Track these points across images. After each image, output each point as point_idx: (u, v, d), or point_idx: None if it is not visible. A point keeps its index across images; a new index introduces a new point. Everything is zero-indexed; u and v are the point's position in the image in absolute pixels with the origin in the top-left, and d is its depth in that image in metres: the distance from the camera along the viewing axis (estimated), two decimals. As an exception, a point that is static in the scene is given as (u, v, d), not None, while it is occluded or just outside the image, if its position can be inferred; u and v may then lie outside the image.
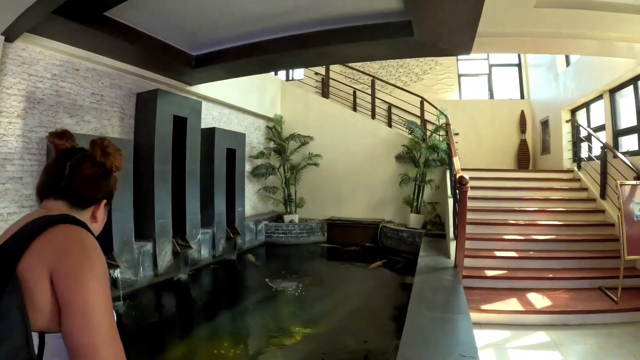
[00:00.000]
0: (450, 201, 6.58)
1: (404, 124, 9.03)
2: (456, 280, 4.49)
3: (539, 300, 4.49)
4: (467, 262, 4.96)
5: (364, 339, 4.36)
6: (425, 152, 8.18)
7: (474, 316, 3.89)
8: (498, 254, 5.54)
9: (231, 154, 7.89)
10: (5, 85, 4.34)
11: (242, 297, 5.93)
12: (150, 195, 5.82)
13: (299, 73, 12.70)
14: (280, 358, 3.94)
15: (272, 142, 9.82)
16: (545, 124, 10.21)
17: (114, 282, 5.00)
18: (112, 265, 4.93)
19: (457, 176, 4.81)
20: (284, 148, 9.53)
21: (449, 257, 5.44)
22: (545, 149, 10.24)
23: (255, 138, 9.79)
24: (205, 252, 7.05)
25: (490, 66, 11.81)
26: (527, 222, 6.39)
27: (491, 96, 11.72)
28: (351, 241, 9.15)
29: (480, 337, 3.65)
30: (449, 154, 7.32)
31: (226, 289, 6.56)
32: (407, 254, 7.88)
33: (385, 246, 8.76)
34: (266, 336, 4.49)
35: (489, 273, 5.16)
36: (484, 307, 4.35)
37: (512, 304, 4.44)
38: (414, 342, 2.87)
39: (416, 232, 8.00)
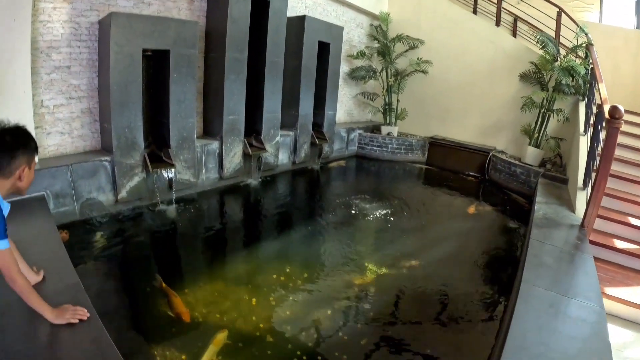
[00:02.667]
0: (582, 140, 5.59)
1: (535, 36, 7.20)
2: (584, 246, 3.53)
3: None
4: (595, 223, 3.94)
5: (446, 290, 3.59)
6: (558, 74, 6.45)
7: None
8: (632, 221, 4.16)
9: (324, 49, 6.84)
10: (47, -31, 3.78)
11: (317, 215, 5.26)
12: (220, 88, 5.18)
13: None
14: (345, 298, 3.28)
15: (376, 42, 8.53)
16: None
17: (168, 183, 4.60)
18: (167, 164, 4.49)
19: (607, 107, 3.78)
20: (389, 50, 8.23)
21: (573, 211, 4.46)
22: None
23: (355, 36, 8.51)
24: (283, 157, 6.46)
25: (642, -13, 9.07)
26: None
27: (638, 26, 9.22)
28: (453, 167, 8.03)
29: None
30: (590, 80, 6.17)
31: (300, 203, 5.99)
32: (517, 194, 6.65)
33: (492, 180, 7.41)
34: (334, 269, 3.80)
35: (619, 244, 3.90)
36: (608, 290, 3.26)
37: (642, 294, 3.31)
38: (523, 337, 2.10)
39: (532, 170, 6.59)
